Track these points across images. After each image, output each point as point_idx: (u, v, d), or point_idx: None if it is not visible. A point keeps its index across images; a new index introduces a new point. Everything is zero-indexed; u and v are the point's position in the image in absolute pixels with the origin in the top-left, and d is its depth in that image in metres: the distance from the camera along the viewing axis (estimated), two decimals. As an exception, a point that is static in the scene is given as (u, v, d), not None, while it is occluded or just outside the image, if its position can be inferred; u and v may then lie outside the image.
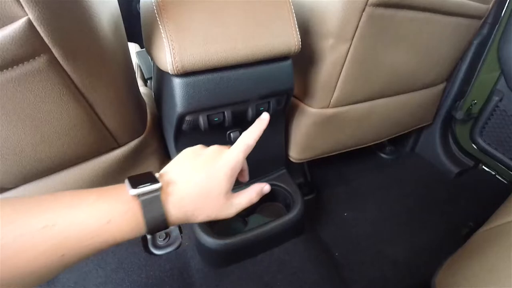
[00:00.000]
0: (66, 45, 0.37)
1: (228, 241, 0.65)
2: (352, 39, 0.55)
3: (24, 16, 0.32)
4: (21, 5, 0.31)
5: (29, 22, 0.32)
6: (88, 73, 0.42)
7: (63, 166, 0.53)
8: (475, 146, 1.10)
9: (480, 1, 0.74)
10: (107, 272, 0.79)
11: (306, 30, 0.58)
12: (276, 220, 0.70)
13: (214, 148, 0.39)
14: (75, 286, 0.76)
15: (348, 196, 1.02)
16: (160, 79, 0.50)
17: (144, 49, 0.80)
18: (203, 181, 0.35)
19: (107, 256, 0.83)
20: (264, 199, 0.78)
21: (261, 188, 0.42)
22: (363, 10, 0.50)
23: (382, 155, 1.20)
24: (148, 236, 0.87)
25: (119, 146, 0.56)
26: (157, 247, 0.86)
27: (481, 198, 1.03)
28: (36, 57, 0.35)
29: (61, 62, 0.37)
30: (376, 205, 0.99)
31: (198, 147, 0.40)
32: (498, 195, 1.03)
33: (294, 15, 0.48)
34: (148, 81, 0.79)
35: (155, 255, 0.84)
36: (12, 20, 0.31)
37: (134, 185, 0.31)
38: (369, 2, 0.49)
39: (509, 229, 0.50)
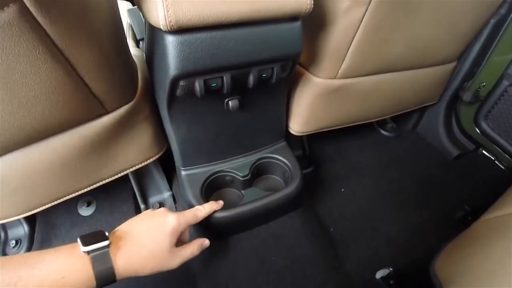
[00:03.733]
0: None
1: (223, 214, 0.61)
2: (369, 3, 0.48)
3: None
4: None
5: None
6: (67, 27, 0.35)
7: (47, 133, 0.48)
8: (478, 130, 1.05)
9: None
10: None
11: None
12: (273, 194, 0.66)
13: (162, 210, 0.47)
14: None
15: (346, 171, 0.99)
16: (152, 37, 0.44)
17: (136, 6, 0.73)
18: (148, 242, 0.41)
19: (101, 225, 0.81)
20: (262, 172, 0.75)
21: (202, 242, 0.52)
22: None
23: (383, 132, 1.15)
24: (142, 206, 0.84)
25: (107, 112, 0.51)
26: None
27: (478, 182, 1.01)
28: (4, 8, 0.29)
29: (34, 13, 0.31)
30: (373, 182, 0.97)
31: (149, 211, 0.48)
32: (496, 181, 1.01)
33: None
34: (141, 42, 0.72)
35: None
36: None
37: (86, 243, 0.37)
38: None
39: None
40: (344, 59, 0.57)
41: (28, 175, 0.51)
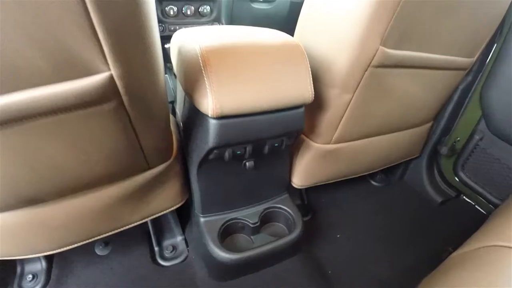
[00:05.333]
0: (135, 93, 0.45)
1: (238, 256, 0.73)
2: (355, 91, 0.66)
3: (107, 71, 0.40)
4: (107, 63, 0.39)
5: (111, 77, 0.40)
6: (142, 109, 0.50)
7: (100, 184, 0.61)
8: (457, 179, 1.22)
9: (466, 55, 0.85)
10: (114, 282, 0.85)
11: (315, 77, 0.68)
12: (279, 239, 0.79)
13: None
14: (83, 293, 0.81)
15: (341, 219, 1.12)
16: (193, 116, 0.60)
17: (167, 75, 0.90)
18: None
19: (116, 265, 0.89)
20: (269, 220, 0.88)
21: None
22: (366, 70, 0.62)
23: (373, 182, 1.31)
24: (156, 248, 0.94)
25: (149, 168, 0.65)
26: (164, 258, 0.92)
27: (461, 226, 1.13)
28: (108, 102, 0.44)
29: (126, 106, 0.46)
30: (365, 228, 1.10)
31: None
32: (477, 224, 1.14)
33: (310, 72, 0.59)
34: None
35: (162, 266, 0.90)
36: (97, 72, 0.39)
37: None
38: (371, 64, 0.61)
39: (480, 254, 0.60)
40: (336, 129, 0.75)
41: (70, 217, 0.63)
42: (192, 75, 0.53)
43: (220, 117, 0.53)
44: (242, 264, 0.76)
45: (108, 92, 0.42)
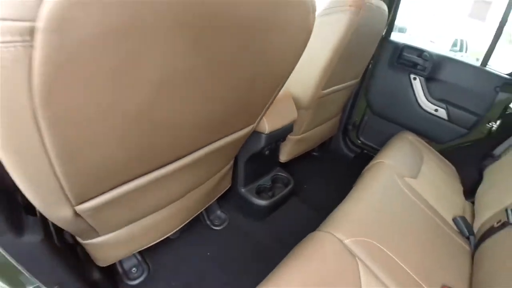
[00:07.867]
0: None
1: (268, 201, 1.50)
2: (310, 109, 1.49)
3: (253, 124, 1.12)
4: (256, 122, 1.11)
5: (253, 127, 1.12)
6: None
7: (207, 179, 1.28)
8: (359, 141, 2.21)
9: (356, 78, 1.76)
10: (191, 250, 1.38)
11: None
12: (284, 190, 1.59)
13: None
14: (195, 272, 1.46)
15: (302, 177, 1.95)
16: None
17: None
18: None
19: (185, 240, 1.45)
20: (273, 182, 1.66)
21: None
22: (316, 99, 1.45)
23: (314, 153, 2.22)
24: (208, 222, 1.58)
25: (227, 164, 1.34)
26: (216, 226, 1.54)
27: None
28: (244, 139, 1.15)
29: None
30: (316, 178, 1.99)
31: None
32: (373, 165, 2.15)
33: (295, 106, 1.38)
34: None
35: (216, 230, 1.54)
36: (249, 126, 1.11)
37: None
38: (318, 97, 1.44)
39: (373, 166, 1.50)
40: (302, 127, 1.58)
41: (183, 208, 1.22)
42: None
43: (268, 133, 1.27)
44: (270, 206, 1.53)
45: (247, 135, 1.12)
